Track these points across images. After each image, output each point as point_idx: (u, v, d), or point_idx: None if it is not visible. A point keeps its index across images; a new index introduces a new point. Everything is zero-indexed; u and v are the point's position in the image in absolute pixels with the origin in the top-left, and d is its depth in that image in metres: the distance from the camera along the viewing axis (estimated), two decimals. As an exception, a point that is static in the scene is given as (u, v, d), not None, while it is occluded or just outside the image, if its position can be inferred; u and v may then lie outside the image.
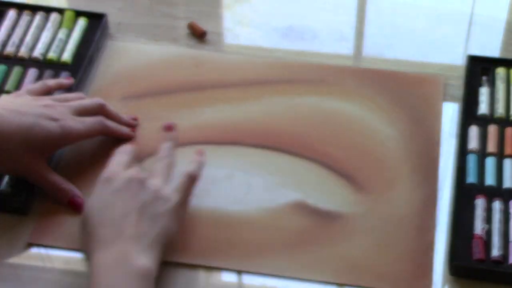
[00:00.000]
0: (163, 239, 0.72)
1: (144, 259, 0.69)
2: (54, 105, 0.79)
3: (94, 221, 0.71)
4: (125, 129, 0.84)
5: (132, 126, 0.85)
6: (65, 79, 0.87)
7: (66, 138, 0.78)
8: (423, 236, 0.76)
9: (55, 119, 0.77)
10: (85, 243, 0.72)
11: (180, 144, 0.84)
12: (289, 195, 0.80)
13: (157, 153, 0.78)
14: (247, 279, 0.75)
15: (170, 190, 0.74)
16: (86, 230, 0.72)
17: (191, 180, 0.76)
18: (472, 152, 0.82)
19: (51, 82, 0.85)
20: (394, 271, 0.74)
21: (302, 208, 0.79)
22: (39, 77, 0.89)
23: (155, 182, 0.74)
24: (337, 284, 0.74)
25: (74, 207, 0.78)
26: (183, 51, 0.94)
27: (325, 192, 0.80)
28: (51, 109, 0.78)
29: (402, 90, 0.89)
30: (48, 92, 0.84)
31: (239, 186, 0.81)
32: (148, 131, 0.86)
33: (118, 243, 0.69)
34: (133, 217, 0.71)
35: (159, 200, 0.73)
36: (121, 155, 0.77)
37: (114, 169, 0.74)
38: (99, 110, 0.82)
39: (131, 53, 0.93)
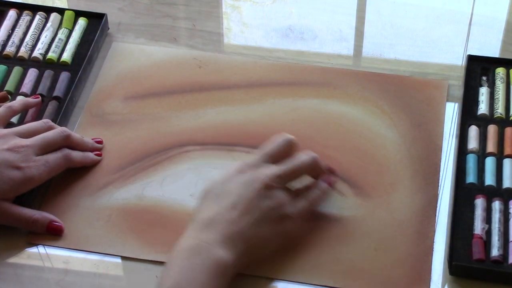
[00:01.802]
0: (259, 245, 0.72)
1: (224, 253, 0.69)
2: (18, 147, 0.77)
3: (207, 199, 0.73)
4: (89, 158, 0.82)
5: (98, 149, 0.84)
6: (31, 98, 0.86)
7: (28, 185, 0.77)
8: (422, 241, 0.76)
9: (18, 167, 0.76)
10: (192, 215, 0.73)
11: (180, 144, 0.85)
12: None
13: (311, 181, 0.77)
14: (247, 279, 0.75)
15: (293, 210, 0.74)
16: (198, 204, 0.73)
17: (310, 206, 0.76)
18: (472, 152, 0.82)
19: (16, 105, 0.83)
20: (392, 276, 0.74)
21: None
22: (39, 77, 0.89)
23: (281, 194, 0.73)
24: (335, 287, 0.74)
25: (54, 232, 0.77)
26: (186, 52, 0.94)
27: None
28: (15, 154, 0.76)
29: (405, 94, 0.88)
30: (13, 115, 0.83)
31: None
32: (149, 131, 0.86)
33: (210, 230, 0.70)
34: (238, 215, 0.71)
35: (274, 211, 0.72)
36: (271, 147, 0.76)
37: (251, 163, 0.74)
38: (64, 142, 0.80)
39: (134, 54, 0.93)
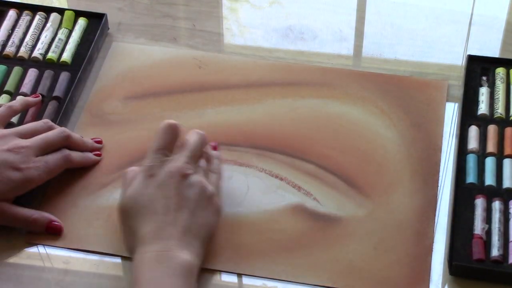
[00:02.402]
0: (206, 233, 0.73)
1: (186, 255, 0.69)
2: (17, 148, 0.77)
3: (136, 216, 0.72)
4: (89, 159, 0.82)
5: (97, 149, 0.84)
6: (31, 97, 0.86)
7: (28, 186, 0.77)
8: (421, 242, 0.76)
9: (17, 168, 0.76)
10: (126, 237, 0.72)
11: (180, 145, 0.85)
12: (288, 198, 0.80)
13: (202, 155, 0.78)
14: (247, 280, 0.75)
15: (213, 187, 0.75)
16: (127, 224, 0.72)
17: (220, 177, 0.78)
18: (472, 152, 0.82)
19: (16, 104, 0.83)
20: (391, 276, 0.74)
21: (301, 211, 0.79)
22: (39, 77, 0.90)
23: (198, 178, 0.74)
24: (334, 288, 0.74)
25: (53, 232, 0.77)
26: (186, 52, 0.94)
27: (325, 195, 0.80)
28: (15, 154, 0.76)
29: (405, 94, 0.88)
30: (14, 115, 0.83)
31: (238, 188, 0.80)
32: (149, 131, 0.86)
33: (161, 238, 0.70)
34: (175, 213, 0.71)
35: (201, 195, 0.73)
36: (158, 142, 0.76)
37: (154, 163, 0.74)
38: (64, 142, 0.80)
39: (134, 54, 0.93)
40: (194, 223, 0.72)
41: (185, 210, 0.72)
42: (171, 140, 0.76)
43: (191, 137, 0.77)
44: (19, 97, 0.87)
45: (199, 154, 0.77)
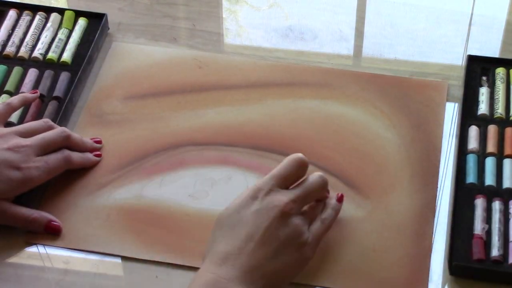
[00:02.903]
0: (278, 279, 0.69)
1: None
2: (18, 147, 0.77)
3: (222, 230, 0.69)
4: (89, 160, 0.82)
5: (97, 149, 0.83)
6: (29, 93, 0.86)
7: (27, 185, 0.77)
8: (420, 242, 0.76)
9: (17, 168, 0.76)
10: (208, 244, 0.70)
11: (180, 144, 0.85)
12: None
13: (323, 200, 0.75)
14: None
15: (309, 237, 0.71)
16: (214, 234, 0.70)
17: (326, 229, 0.74)
18: (472, 152, 0.82)
19: (15, 101, 0.83)
20: (390, 277, 0.74)
21: (301, 211, 0.79)
22: (39, 77, 0.90)
23: (298, 221, 0.70)
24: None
25: (52, 232, 0.77)
26: (185, 52, 0.94)
27: (324, 195, 0.80)
28: (15, 154, 0.76)
29: (405, 95, 0.88)
30: (13, 112, 0.83)
31: (238, 188, 0.80)
32: (149, 131, 0.86)
33: (228, 265, 0.67)
34: (257, 246, 0.68)
35: (292, 240, 0.69)
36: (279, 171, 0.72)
37: (264, 187, 0.71)
38: (64, 142, 0.80)
39: (134, 54, 0.93)
40: (269, 263, 0.68)
41: (268, 247, 0.68)
42: (293, 173, 0.73)
43: (312, 178, 0.73)
44: (19, 94, 0.87)
45: (312, 197, 0.73)
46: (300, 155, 0.73)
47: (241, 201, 0.70)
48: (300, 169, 0.73)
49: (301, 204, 0.72)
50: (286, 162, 0.73)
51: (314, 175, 0.74)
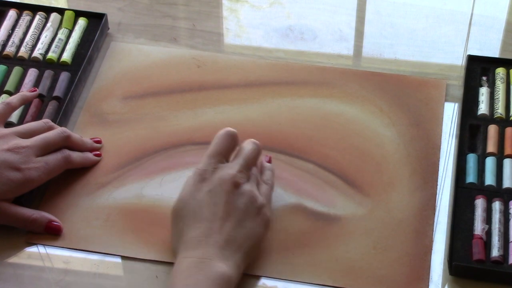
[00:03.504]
0: (251, 245, 0.72)
1: (226, 266, 0.69)
2: (18, 148, 0.77)
3: (184, 219, 0.72)
4: (89, 159, 0.82)
5: (97, 149, 0.84)
6: (28, 91, 0.85)
7: (28, 186, 0.77)
8: (421, 240, 0.76)
9: (17, 169, 0.76)
10: (174, 240, 0.73)
11: (179, 144, 0.85)
12: (288, 198, 0.80)
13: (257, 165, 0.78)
14: (247, 279, 0.75)
15: (263, 198, 0.74)
16: (176, 226, 0.72)
17: (272, 189, 0.77)
18: (472, 152, 0.82)
19: (14, 101, 0.83)
20: (391, 275, 0.74)
21: (300, 211, 0.79)
22: (39, 77, 0.90)
23: (249, 187, 0.73)
24: (334, 287, 0.73)
25: (53, 232, 0.77)
26: (184, 51, 0.94)
27: (324, 194, 0.80)
28: (15, 155, 0.76)
29: (404, 93, 0.89)
30: (12, 111, 0.83)
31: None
32: (148, 131, 0.86)
33: (204, 246, 0.69)
34: (222, 221, 0.71)
35: (251, 206, 0.73)
36: (217, 146, 0.75)
37: (208, 167, 0.74)
38: (64, 142, 0.80)
39: (133, 53, 0.93)
40: (239, 233, 0.71)
41: (232, 219, 0.71)
42: (228, 147, 0.76)
43: (247, 146, 0.77)
44: (18, 93, 0.87)
45: (252, 164, 0.76)
46: (227, 128, 0.76)
47: (191, 188, 0.73)
48: (232, 140, 0.76)
49: (246, 172, 0.75)
50: (217, 138, 0.76)
51: (247, 143, 0.77)
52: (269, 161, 0.81)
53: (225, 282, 0.68)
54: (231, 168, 0.74)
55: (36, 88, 0.86)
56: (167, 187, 0.81)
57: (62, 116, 0.86)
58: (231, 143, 0.76)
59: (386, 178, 0.81)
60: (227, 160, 0.76)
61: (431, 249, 0.76)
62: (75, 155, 0.81)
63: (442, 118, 0.86)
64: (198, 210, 0.72)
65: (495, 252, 0.74)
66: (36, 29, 0.94)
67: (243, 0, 1.01)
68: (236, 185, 0.73)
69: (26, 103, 0.85)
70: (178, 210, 0.73)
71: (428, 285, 0.73)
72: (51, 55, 0.91)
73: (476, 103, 0.87)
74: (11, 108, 0.83)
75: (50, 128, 0.81)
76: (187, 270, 0.68)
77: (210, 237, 0.70)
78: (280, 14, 0.99)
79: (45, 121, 0.82)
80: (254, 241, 0.72)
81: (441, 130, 0.85)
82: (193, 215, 0.72)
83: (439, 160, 0.82)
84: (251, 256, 0.73)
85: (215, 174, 0.73)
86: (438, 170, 0.81)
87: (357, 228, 0.77)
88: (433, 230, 0.77)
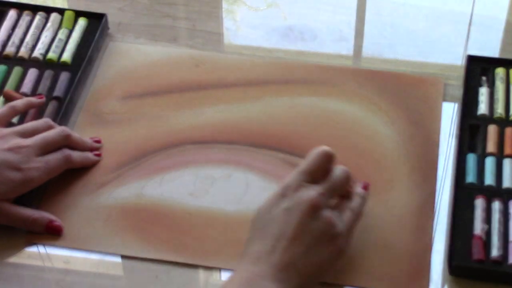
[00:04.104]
0: (314, 273, 0.68)
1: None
2: (18, 148, 0.77)
3: (255, 230, 0.70)
4: (89, 159, 0.82)
5: (96, 149, 0.83)
6: (35, 98, 0.85)
7: (28, 186, 0.77)
8: (421, 237, 0.76)
9: (18, 169, 0.76)
10: (244, 246, 0.70)
11: (179, 143, 0.85)
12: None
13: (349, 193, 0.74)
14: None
15: (342, 219, 0.71)
16: (249, 235, 0.70)
17: (357, 218, 0.73)
18: (471, 152, 0.82)
19: (19, 105, 0.83)
20: (391, 272, 0.74)
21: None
22: (39, 77, 0.90)
23: (329, 213, 0.70)
24: (335, 284, 0.73)
25: (53, 232, 0.77)
26: (183, 51, 0.94)
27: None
28: (15, 154, 0.76)
29: (402, 91, 0.89)
30: (16, 115, 0.83)
31: (237, 186, 0.81)
32: (148, 130, 0.86)
33: (263, 263, 0.67)
34: (289, 243, 0.68)
35: (325, 233, 0.69)
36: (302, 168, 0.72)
37: (292, 184, 0.71)
38: (64, 142, 0.80)
39: (131, 53, 0.93)
40: (304, 258, 0.68)
41: (300, 243, 0.68)
42: (320, 167, 0.72)
43: (337, 171, 0.73)
44: (24, 98, 0.87)
45: (340, 190, 0.73)
46: (325, 147, 0.73)
47: (271, 200, 0.70)
48: (326, 162, 0.73)
49: (329, 197, 0.71)
50: (312, 156, 0.73)
51: (338, 169, 0.73)
52: (365, 188, 0.76)
53: None
54: (313, 190, 0.70)
55: (43, 96, 0.86)
56: (167, 186, 0.81)
57: (62, 116, 0.86)
58: (325, 163, 0.72)
59: (385, 176, 0.81)
60: (315, 181, 0.72)
61: (431, 246, 0.76)
62: (75, 155, 0.81)
63: (440, 116, 0.86)
64: (269, 225, 0.69)
65: (495, 252, 0.74)
66: (36, 29, 0.94)
67: (240, 1, 1.01)
68: (315, 209, 0.69)
69: (31, 109, 0.85)
70: (253, 221, 0.71)
71: (428, 282, 0.73)
72: (51, 55, 0.91)
73: (476, 103, 0.87)
74: (14, 112, 0.83)
75: (50, 128, 0.81)
76: (239, 283, 0.66)
77: (272, 255, 0.67)
78: (280, 14, 0.99)
79: (45, 120, 0.82)
80: (317, 270, 0.68)
81: (440, 127, 0.85)
82: (262, 229, 0.69)
83: (438, 158, 0.82)
84: (312, 284, 0.69)
85: (297, 193, 0.70)
86: (437, 168, 0.82)
87: (357, 225, 0.77)
88: (432, 227, 0.77)
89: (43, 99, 0.86)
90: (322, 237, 0.69)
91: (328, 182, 0.72)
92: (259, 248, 0.68)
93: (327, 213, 0.70)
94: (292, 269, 0.67)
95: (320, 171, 0.72)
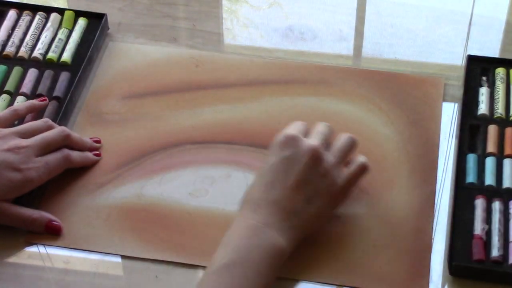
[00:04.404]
0: (311, 224, 0.72)
1: (281, 238, 0.69)
2: (18, 148, 0.77)
3: (256, 179, 0.72)
4: (89, 159, 0.82)
5: (96, 149, 0.83)
6: (37, 100, 0.85)
7: (28, 187, 0.77)
8: (420, 238, 0.76)
9: (17, 169, 0.76)
10: (244, 193, 0.73)
11: (178, 143, 0.85)
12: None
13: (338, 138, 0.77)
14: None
15: (341, 174, 0.73)
16: (252, 183, 0.73)
17: (362, 171, 0.76)
18: (472, 152, 0.82)
19: (22, 108, 0.83)
20: (391, 272, 0.74)
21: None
22: (39, 77, 0.90)
23: (331, 167, 0.73)
24: (334, 284, 0.74)
25: (53, 232, 0.77)
26: (183, 51, 0.94)
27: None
28: (15, 155, 0.76)
29: (402, 91, 0.89)
30: (18, 118, 0.83)
31: (237, 186, 0.81)
32: (147, 130, 0.86)
33: (266, 211, 0.70)
34: (292, 192, 0.71)
35: (325, 180, 0.72)
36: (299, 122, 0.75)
37: (293, 134, 0.73)
38: (64, 142, 0.80)
39: (131, 53, 0.93)
40: (305, 209, 0.71)
41: (301, 193, 0.71)
42: (328, 135, 0.76)
43: (341, 137, 0.76)
44: (19, 98, 0.87)
45: (342, 153, 0.75)
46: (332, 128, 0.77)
47: (273, 149, 0.73)
48: (330, 133, 0.75)
49: (331, 155, 0.74)
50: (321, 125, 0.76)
51: (343, 135, 0.76)
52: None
53: (276, 252, 0.68)
54: (315, 140, 0.73)
55: (47, 98, 0.86)
56: (167, 186, 0.81)
57: (62, 116, 0.86)
58: (330, 134, 0.76)
59: (385, 176, 0.81)
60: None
61: (431, 246, 0.76)
62: (75, 155, 0.81)
63: (440, 116, 0.86)
64: (269, 174, 0.71)
65: (495, 252, 0.74)
66: (36, 29, 0.94)
67: (243, 0, 1.01)
68: (315, 159, 0.72)
69: (34, 112, 0.85)
70: (257, 171, 0.73)
71: (428, 283, 0.73)
72: (51, 55, 0.91)
73: (476, 103, 0.87)
74: (17, 115, 0.83)
75: (49, 128, 0.81)
76: (243, 231, 0.69)
77: (275, 205, 0.70)
78: (280, 14, 0.99)
79: (44, 120, 0.82)
80: (316, 220, 0.72)
81: (440, 128, 0.85)
82: (263, 178, 0.72)
83: (437, 158, 0.82)
84: (310, 232, 0.73)
85: (297, 142, 0.73)
86: (437, 168, 0.82)
87: (357, 226, 0.77)
88: (432, 228, 0.77)
89: (46, 102, 0.85)
90: (322, 189, 0.71)
91: (333, 144, 0.75)
92: (265, 196, 0.70)
93: (329, 165, 0.72)
94: (293, 218, 0.70)
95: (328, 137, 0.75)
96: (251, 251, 0.67)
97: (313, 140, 0.74)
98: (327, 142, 0.75)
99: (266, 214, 0.70)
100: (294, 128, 0.75)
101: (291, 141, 0.73)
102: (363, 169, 0.76)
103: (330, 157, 0.74)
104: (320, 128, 0.76)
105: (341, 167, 0.75)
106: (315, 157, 0.72)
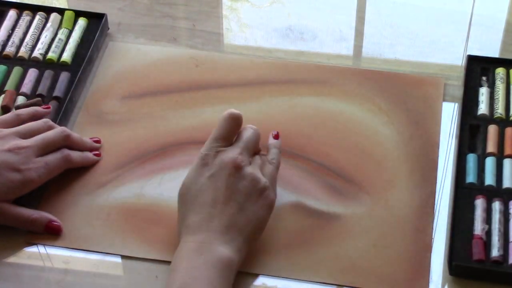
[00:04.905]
0: (253, 228, 0.72)
1: (227, 250, 0.69)
2: (18, 148, 0.77)
3: (187, 204, 0.72)
4: (89, 159, 0.82)
5: (96, 149, 0.84)
6: (42, 108, 0.84)
7: (28, 187, 0.77)
8: (420, 238, 0.76)
9: (18, 170, 0.76)
10: (178, 223, 0.73)
11: (178, 143, 0.85)
12: (287, 196, 0.80)
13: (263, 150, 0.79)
14: (247, 278, 0.75)
15: (266, 179, 0.74)
16: (180, 211, 0.73)
17: (277, 168, 0.77)
18: (472, 152, 0.82)
19: (24, 113, 0.83)
20: (391, 272, 0.74)
21: (300, 209, 0.79)
22: (39, 77, 0.90)
23: (251, 170, 0.74)
24: (335, 285, 0.74)
25: (53, 232, 0.77)
26: (183, 51, 0.94)
27: (324, 193, 0.80)
28: (15, 155, 0.76)
29: (402, 91, 0.89)
30: (19, 124, 0.82)
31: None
32: (147, 130, 0.86)
33: (205, 231, 0.70)
34: (223, 205, 0.71)
35: (253, 189, 0.73)
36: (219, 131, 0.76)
37: (210, 152, 0.74)
38: (64, 142, 0.80)
39: (131, 53, 0.94)
40: (241, 217, 0.71)
41: (234, 203, 0.72)
42: (231, 130, 0.76)
43: (246, 131, 0.77)
44: (19, 98, 0.87)
45: (254, 147, 0.76)
46: (231, 110, 0.76)
47: (194, 172, 0.74)
48: (235, 123, 0.76)
49: (247, 155, 0.75)
50: (221, 122, 0.76)
51: (246, 129, 0.77)
52: (277, 137, 0.80)
53: (225, 265, 0.69)
54: (231, 152, 0.74)
55: (50, 106, 0.85)
56: (167, 186, 0.81)
57: (62, 116, 0.86)
58: (235, 126, 0.76)
59: (385, 176, 0.81)
60: (229, 144, 0.75)
61: (431, 246, 0.76)
62: (75, 155, 0.81)
63: (440, 116, 0.86)
64: (200, 195, 0.72)
65: (495, 252, 0.74)
66: (36, 29, 0.94)
67: (243, -1, 1.01)
68: (237, 168, 0.73)
69: (36, 118, 0.84)
70: (181, 195, 0.73)
71: (428, 283, 0.73)
72: (51, 55, 0.91)
73: (476, 103, 0.87)
74: (19, 121, 0.82)
75: (49, 128, 0.81)
76: (187, 254, 0.69)
77: (211, 222, 0.70)
78: (280, 14, 0.99)
79: (44, 120, 0.82)
80: (256, 224, 0.72)
81: (440, 127, 0.85)
82: (194, 200, 0.72)
83: (438, 158, 0.82)
84: (254, 239, 0.73)
85: (216, 158, 0.74)
86: (437, 168, 0.82)
87: (357, 226, 0.77)
88: (432, 228, 0.77)
89: (49, 110, 0.85)
90: (251, 194, 0.72)
91: (241, 141, 0.75)
92: (197, 218, 0.71)
93: (250, 170, 0.73)
94: (233, 229, 0.71)
95: (232, 134, 0.76)
96: (201, 269, 0.68)
97: (232, 152, 0.74)
98: (248, 146, 0.75)
99: (206, 234, 0.70)
100: (212, 141, 0.75)
101: (209, 159, 0.74)
102: (277, 167, 0.77)
103: (251, 167, 0.74)
104: (241, 135, 0.76)
105: (265, 164, 0.76)
106: (237, 167, 0.73)
